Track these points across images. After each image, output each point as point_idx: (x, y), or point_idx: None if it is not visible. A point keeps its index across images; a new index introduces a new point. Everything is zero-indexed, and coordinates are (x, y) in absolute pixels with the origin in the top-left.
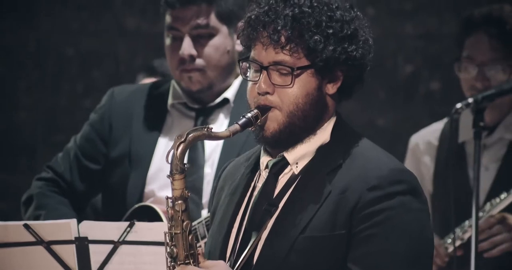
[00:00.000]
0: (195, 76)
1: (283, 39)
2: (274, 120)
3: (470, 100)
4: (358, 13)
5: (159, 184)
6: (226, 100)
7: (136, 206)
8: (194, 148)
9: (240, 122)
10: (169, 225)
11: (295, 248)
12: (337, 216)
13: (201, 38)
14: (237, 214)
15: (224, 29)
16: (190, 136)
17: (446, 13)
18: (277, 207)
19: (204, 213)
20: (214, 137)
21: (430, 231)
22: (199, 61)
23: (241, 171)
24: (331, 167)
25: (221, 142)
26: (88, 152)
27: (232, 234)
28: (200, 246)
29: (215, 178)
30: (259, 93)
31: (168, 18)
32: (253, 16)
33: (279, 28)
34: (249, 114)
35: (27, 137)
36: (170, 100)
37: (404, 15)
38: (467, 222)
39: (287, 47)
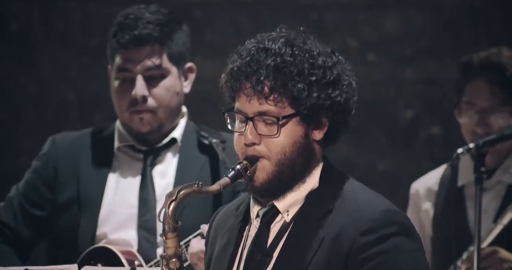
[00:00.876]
0: (146, 117)
1: (266, 89)
2: (263, 170)
3: (471, 145)
4: (340, 57)
5: (111, 227)
6: (173, 140)
7: (91, 248)
8: (145, 189)
9: (229, 175)
10: None
11: None
12: (332, 262)
13: (153, 79)
14: (232, 265)
15: (174, 70)
16: (181, 193)
17: (446, 58)
18: (272, 256)
19: (159, 251)
20: (205, 192)
21: (425, 269)
22: (150, 102)
23: (231, 220)
24: (322, 212)
25: (171, 181)
26: (32, 198)
27: None
28: None
29: (209, 228)
30: (246, 144)
31: (118, 60)
32: (235, 68)
33: (261, 78)
34: (238, 167)
35: None
36: (116, 143)
37: (404, 60)
38: (459, 260)
39: (271, 97)
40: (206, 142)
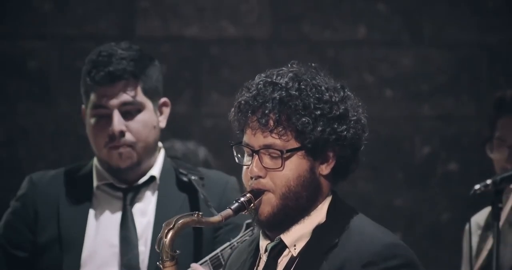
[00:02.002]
0: (125, 152)
1: (271, 122)
2: (268, 204)
3: (489, 181)
4: (349, 93)
5: (94, 267)
6: (152, 178)
7: None
8: (125, 227)
9: (232, 207)
10: None
11: None
12: None
13: (129, 114)
14: None
15: (149, 104)
16: (179, 222)
17: (463, 95)
18: None
19: None
20: (205, 222)
21: None
22: (128, 137)
23: (244, 257)
24: (328, 247)
25: (151, 219)
26: (13, 240)
27: None
28: None
29: (223, 266)
30: (251, 177)
31: (93, 97)
32: (242, 101)
33: (266, 112)
34: (242, 199)
35: None
36: (95, 182)
37: (421, 97)
38: None
39: (276, 131)
40: (185, 179)
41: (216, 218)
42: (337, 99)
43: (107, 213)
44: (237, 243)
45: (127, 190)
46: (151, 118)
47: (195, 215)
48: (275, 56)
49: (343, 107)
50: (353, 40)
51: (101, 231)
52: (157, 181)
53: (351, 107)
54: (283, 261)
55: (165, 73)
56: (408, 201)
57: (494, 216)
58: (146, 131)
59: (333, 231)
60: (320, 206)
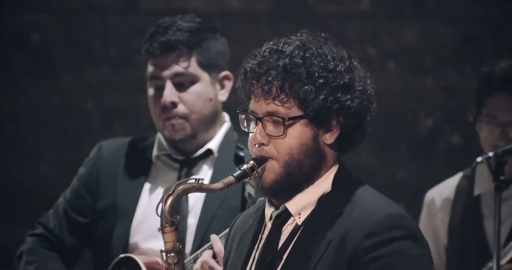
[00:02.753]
0: (178, 123)
1: (274, 90)
2: (271, 171)
3: (491, 154)
4: (357, 63)
5: (143, 236)
6: (209, 152)
7: (120, 257)
8: None
9: (235, 174)
10: None
11: None
12: (337, 264)
13: (182, 85)
14: (246, 266)
15: (205, 77)
16: (178, 188)
17: (467, 68)
18: (281, 258)
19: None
20: (206, 189)
21: None
22: (181, 108)
23: (249, 223)
24: (332, 216)
25: (203, 193)
26: (76, 205)
27: None
28: None
29: (229, 230)
30: (255, 145)
31: (149, 68)
32: (248, 68)
33: (270, 79)
34: (244, 166)
35: (49, 191)
36: (154, 152)
37: (424, 70)
38: None
39: (278, 98)
40: (241, 153)
41: (218, 185)
42: (342, 68)
43: (161, 184)
44: None
45: (184, 161)
46: (207, 91)
47: (196, 182)
48: (279, 29)
49: (348, 77)
50: (357, 12)
51: (153, 201)
52: (215, 154)
53: (357, 77)
54: (287, 229)
55: None
56: (411, 174)
57: (496, 188)
58: (200, 103)
59: (338, 201)
60: (325, 175)
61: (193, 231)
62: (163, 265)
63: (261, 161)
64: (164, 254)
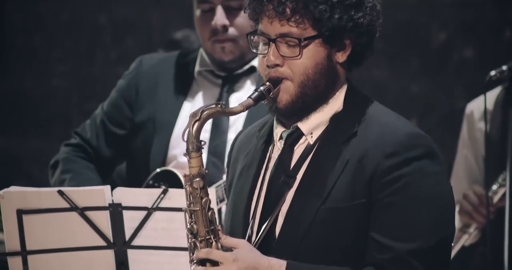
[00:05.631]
0: (228, 46)
1: (288, 11)
2: (286, 92)
3: (504, 67)
4: None
5: (181, 149)
6: (253, 69)
7: (158, 170)
8: None
9: (252, 96)
10: (187, 202)
11: (317, 219)
12: (356, 185)
13: (233, 9)
14: (255, 187)
15: None
16: (204, 113)
17: None
18: (295, 178)
19: (225, 177)
20: (228, 112)
21: (449, 193)
22: (231, 31)
23: (254, 142)
24: (347, 135)
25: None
26: (114, 117)
27: (252, 207)
28: (220, 224)
29: (230, 149)
30: (268, 66)
31: None
32: None
33: (283, 0)
34: (261, 88)
35: (61, 105)
36: (197, 68)
37: None
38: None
39: (293, 19)
40: None
41: (238, 107)
42: None
43: (203, 99)
44: None
45: (227, 77)
46: None
47: (218, 106)
48: None
49: None
50: None
51: None
52: (258, 71)
53: None
54: (299, 148)
55: None
56: (424, 88)
57: (509, 101)
58: (249, 25)
59: (351, 119)
60: (337, 94)
61: None
62: (188, 189)
63: (276, 81)
64: (188, 179)
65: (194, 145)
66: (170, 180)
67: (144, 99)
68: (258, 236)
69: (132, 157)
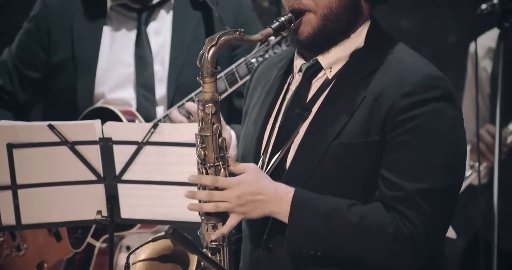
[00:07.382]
0: None
1: None
2: (308, 24)
3: (495, 0)
4: None
5: (109, 86)
6: None
7: (90, 108)
8: (140, 46)
9: (273, 26)
10: (199, 127)
11: (329, 153)
12: (371, 122)
13: None
14: (270, 116)
15: None
16: (222, 39)
17: None
18: (310, 111)
19: (159, 110)
20: (246, 40)
21: (463, 138)
22: None
23: (274, 72)
24: (366, 72)
25: (167, 38)
26: (27, 61)
27: (265, 136)
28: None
29: (250, 78)
30: None
31: None
32: None
33: None
34: (282, 18)
35: None
36: (109, 3)
37: None
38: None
39: None
40: None
41: (257, 36)
42: None
43: (121, 33)
44: (252, 58)
45: (142, 10)
46: None
47: (237, 33)
48: None
49: None
50: None
51: (115, 51)
52: (172, 0)
53: None
54: (317, 82)
55: None
56: (415, 22)
57: (501, 35)
58: None
59: (372, 56)
60: (359, 29)
61: (163, 78)
62: (200, 114)
63: (299, 13)
64: (201, 104)
65: (208, 70)
66: (104, 117)
67: (58, 39)
68: (269, 167)
69: (55, 97)
